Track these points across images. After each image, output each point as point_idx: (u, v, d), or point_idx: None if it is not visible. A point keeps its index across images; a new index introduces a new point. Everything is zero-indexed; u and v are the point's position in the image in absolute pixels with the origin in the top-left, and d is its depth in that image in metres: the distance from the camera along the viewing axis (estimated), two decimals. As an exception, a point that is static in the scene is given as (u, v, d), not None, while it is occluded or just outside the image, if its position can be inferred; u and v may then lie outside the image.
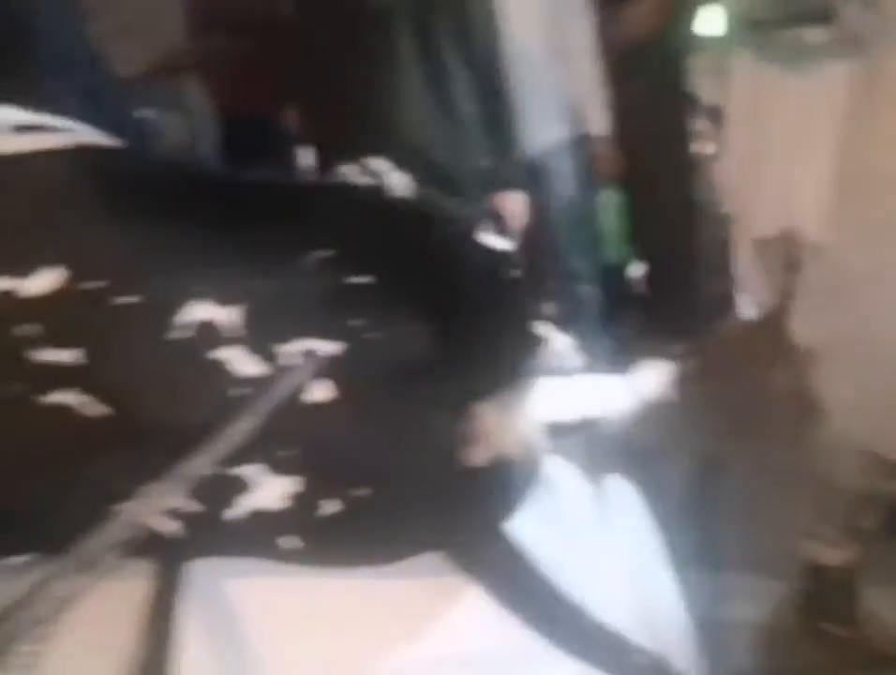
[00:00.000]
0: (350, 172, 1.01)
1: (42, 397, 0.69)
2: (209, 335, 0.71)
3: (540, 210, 2.06)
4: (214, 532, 0.73)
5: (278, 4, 1.55)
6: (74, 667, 0.65)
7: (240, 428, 0.66)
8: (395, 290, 0.77)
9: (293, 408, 0.71)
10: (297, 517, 0.75)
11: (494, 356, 0.81)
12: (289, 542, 0.77)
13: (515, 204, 2.06)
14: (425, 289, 0.79)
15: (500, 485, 0.81)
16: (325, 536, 0.77)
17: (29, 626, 0.60)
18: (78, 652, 0.65)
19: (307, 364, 0.69)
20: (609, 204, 2.46)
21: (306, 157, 1.91)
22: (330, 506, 0.75)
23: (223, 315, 0.71)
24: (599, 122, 2.21)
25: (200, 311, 0.71)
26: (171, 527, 0.72)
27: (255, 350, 0.71)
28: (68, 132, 0.86)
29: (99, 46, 1.36)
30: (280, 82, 1.72)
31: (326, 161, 1.76)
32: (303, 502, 0.75)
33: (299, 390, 0.69)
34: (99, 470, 0.71)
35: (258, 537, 0.76)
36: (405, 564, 0.79)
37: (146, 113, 1.28)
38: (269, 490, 0.74)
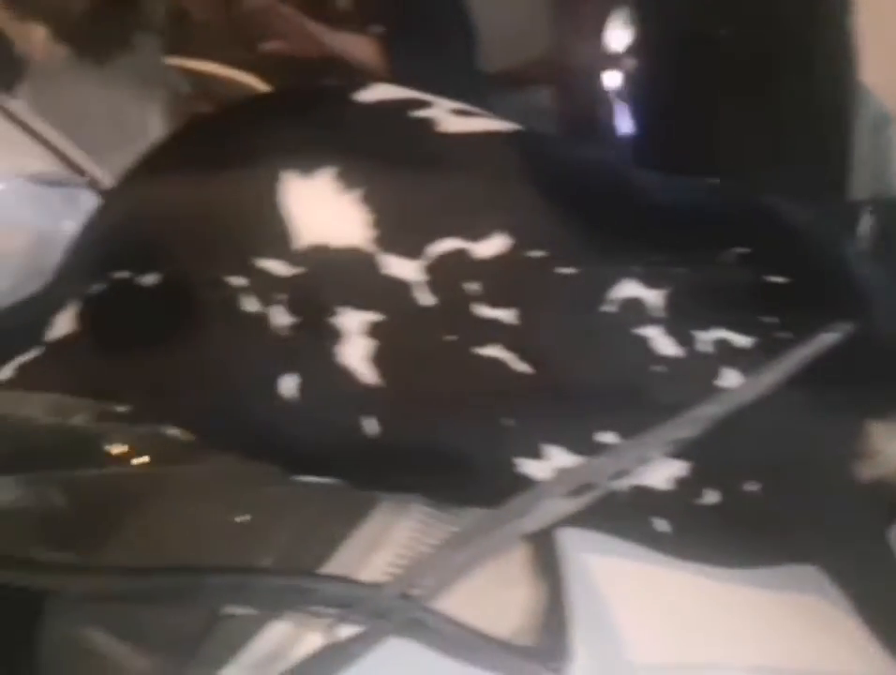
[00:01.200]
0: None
1: (477, 349, 0.76)
2: (634, 312, 0.75)
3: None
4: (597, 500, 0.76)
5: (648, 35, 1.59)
6: (481, 613, 0.69)
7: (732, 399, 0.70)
8: (807, 295, 0.78)
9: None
10: (675, 502, 0.77)
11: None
12: (660, 525, 0.79)
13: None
14: (834, 300, 0.80)
15: (884, 506, 0.79)
16: (698, 526, 0.78)
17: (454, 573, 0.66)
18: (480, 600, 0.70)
19: (816, 341, 0.71)
20: None
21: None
22: (711, 496, 0.77)
23: (649, 296, 0.75)
24: None
25: (629, 289, 0.76)
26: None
27: (673, 332, 0.75)
28: (489, 118, 0.94)
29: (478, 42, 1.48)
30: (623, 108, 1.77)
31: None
32: (686, 488, 0.77)
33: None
34: (512, 425, 0.77)
35: (632, 515, 0.79)
36: (773, 576, 0.79)
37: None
38: (657, 470, 0.76)
